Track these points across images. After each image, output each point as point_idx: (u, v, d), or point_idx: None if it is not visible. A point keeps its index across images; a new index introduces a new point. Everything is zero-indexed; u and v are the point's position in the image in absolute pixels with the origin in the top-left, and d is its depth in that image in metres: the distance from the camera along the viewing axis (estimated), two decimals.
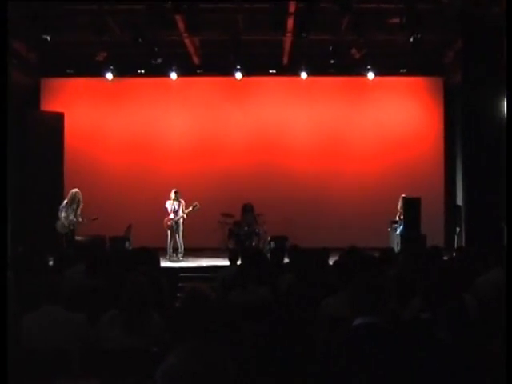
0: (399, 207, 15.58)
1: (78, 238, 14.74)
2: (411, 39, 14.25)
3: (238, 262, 9.29)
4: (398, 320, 5.34)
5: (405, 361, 3.97)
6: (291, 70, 17.19)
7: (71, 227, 14.32)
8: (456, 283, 5.77)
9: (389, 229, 16.09)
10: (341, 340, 4.15)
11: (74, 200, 14.33)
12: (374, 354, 3.93)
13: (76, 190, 14.45)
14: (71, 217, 14.27)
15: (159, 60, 15.54)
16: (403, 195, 15.52)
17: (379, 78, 17.08)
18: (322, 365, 4.21)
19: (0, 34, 6.10)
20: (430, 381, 4.09)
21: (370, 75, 16.85)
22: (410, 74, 17.63)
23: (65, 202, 14.48)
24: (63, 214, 14.30)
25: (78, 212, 14.33)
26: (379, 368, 3.91)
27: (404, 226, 15.45)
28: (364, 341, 4.01)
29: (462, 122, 15.59)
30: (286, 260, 9.51)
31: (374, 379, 3.91)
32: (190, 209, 15.20)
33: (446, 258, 9.73)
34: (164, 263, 12.19)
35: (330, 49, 15.25)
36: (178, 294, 8.53)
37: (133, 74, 17.44)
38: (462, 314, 4.71)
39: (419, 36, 14.09)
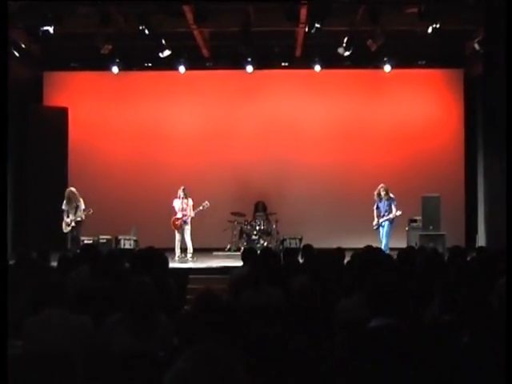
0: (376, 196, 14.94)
1: (82, 238, 14.54)
2: (430, 29, 13.88)
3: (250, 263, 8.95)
4: (417, 322, 5.21)
5: (423, 364, 3.91)
6: (304, 63, 16.92)
7: (73, 225, 14.26)
8: (479, 285, 5.60)
9: (407, 228, 15.70)
10: (357, 342, 4.11)
11: (69, 199, 14.37)
12: (391, 357, 3.89)
13: (70, 188, 14.58)
14: (71, 216, 14.26)
15: (167, 52, 15.17)
16: (382, 185, 14.92)
17: (396, 71, 16.81)
18: (337, 368, 4.19)
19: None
20: None
21: (387, 67, 16.62)
22: (428, 66, 17.35)
23: (64, 202, 14.45)
24: (65, 214, 14.32)
25: (81, 208, 14.31)
26: (396, 371, 3.86)
27: (422, 224, 15.26)
28: (380, 343, 3.97)
29: (484, 116, 15.30)
30: (300, 260, 9.34)
31: (389, 382, 3.86)
32: (200, 208, 14.75)
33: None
34: (173, 264, 11.81)
35: (345, 40, 14.73)
36: (188, 296, 8.64)
37: (139, 67, 17.31)
38: (488, 317, 4.53)
39: (438, 26, 13.72)
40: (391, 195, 14.79)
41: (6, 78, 5.84)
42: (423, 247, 11.14)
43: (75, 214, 14.20)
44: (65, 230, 14.35)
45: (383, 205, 14.75)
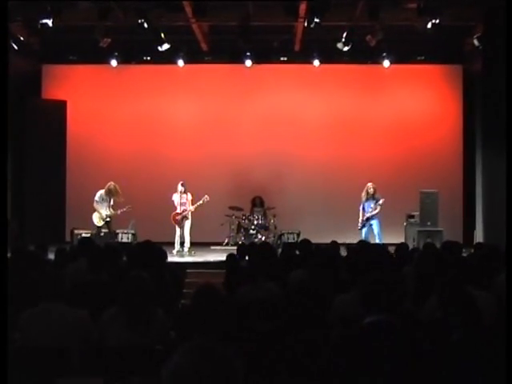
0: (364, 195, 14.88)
1: (79, 231, 14.61)
2: (429, 25, 13.82)
3: (247, 258, 9.01)
4: (411, 319, 5.20)
5: (414, 360, 3.92)
6: (303, 58, 16.90)
7: (107, 219, 14.39)
8: (473, 281, 5.70)
9: (404, 223, 15.67)
10: (351, 338, 4.13)
11: (109, 193, 14.40)
12: (384, 352, 3.90)
13: (113, 183, 14.48)
14: (105, 211, 14.38)
15: (166, 46, 15.12)
16: (370, 183, 14.89)
17: (395, 66, 16.79)
18: (333, 363, 4.19)
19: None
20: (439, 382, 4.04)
21: (386, 63, 16.60)
22: (427, 61, 17.29)
23: (100, 193, 14.47)
24: (98, 206, 14.39)
25: (112, 204, 14.41)
26: (389, 367, 3.87)
27: (420, 220, 15.29)
28: (374, 339, 3.98)
29: (482, 113, 15.19)
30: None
31: (383, 377, 3.87)
32: (200, 202, 14.72)
33: (465, 254, 9.40)
34: (170, 258, 11.79)
35: (344, 35, 14.70)
36: (185, 290, 8.57)
37: (138, 60, 17.28)
38: (473, 314, 4.49)
39: (438, 22, 13.65)
40: (378, 195, 14.70)
41: (5, 72, 5.84)
42: (429, 244, 11.07)
43: (108, 208, 14.30)
44: (98, 224, 14.42)
45: (368, 205, 14.67)
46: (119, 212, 14.43)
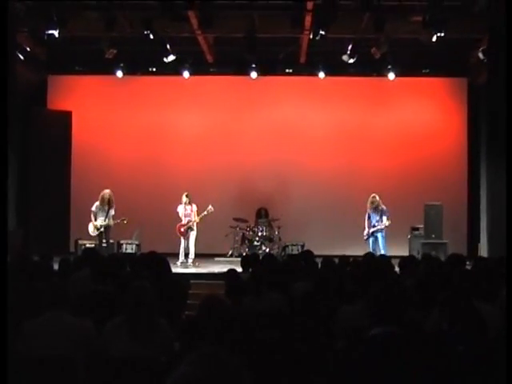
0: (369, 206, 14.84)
1: (83, 242, 14.63)
2: (434, 38, 13.82)
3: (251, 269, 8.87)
4: (417, 330, 5.14)
5: (420, 371, 3.89)
6: (308, 70, 16.98)
7: (102, 229, 14.26)
8: (477, 294, 5.69)
9: (409, 236, 15.67)
10: (357, 350, 4.08)
11: (104, 201, 14.30)
12: (391, 364, 3.88)
13: (108, 191, 14.44)
14: (100, 221, 14.26)
15: (171, 57, 15.16)
16: (373, 194, 14.84)
17: (400, 79, 16.78)
18: (338, 375, 4.18)
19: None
20: None
21: (391, 75, 16.58)
22: (432, 74, 17.35)
23: (96, 204, 14.38)
24: (93, 217, 14.32)
25: (110, 214, 14.29)
26: (394, 379, 3.85)
27: (424, 232, 15.36)
28: (381, 350, 3.96)
29: (487, 125, 15.17)
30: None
31: None
32: (205, 213, 14.72)
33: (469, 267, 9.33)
34: (174, 269, 11.78)
35: (350, 48, 14.73)
36: (189, 301, 8.49)
37: (144, 71, 17.34)
38: (479, 326, 4.51)
39: (443, 35, 13.64)
40: (383, 207, 14.70)
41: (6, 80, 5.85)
42: (426, 255, 11.09)
43: (105, 218, 14.20)
44: (92, 234, 14.38)
45: (374, 216, 14.67)
46: (112, 224, 14.32)
